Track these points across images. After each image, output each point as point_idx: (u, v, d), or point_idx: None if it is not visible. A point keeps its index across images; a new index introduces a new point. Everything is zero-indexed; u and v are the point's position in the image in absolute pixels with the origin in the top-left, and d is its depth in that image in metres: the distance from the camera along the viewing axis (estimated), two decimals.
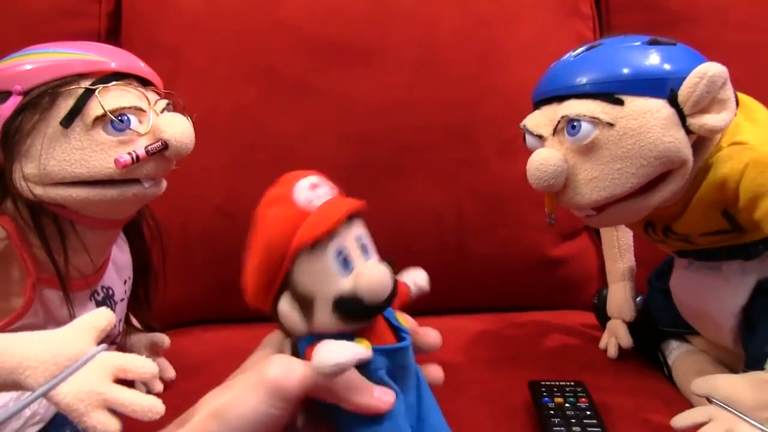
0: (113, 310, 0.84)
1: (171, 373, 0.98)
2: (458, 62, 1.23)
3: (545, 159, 0.75)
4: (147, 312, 0.97)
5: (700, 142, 0.76)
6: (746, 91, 0.83)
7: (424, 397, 0.63)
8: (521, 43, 1.24)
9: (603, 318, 1.08)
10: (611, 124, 0.72)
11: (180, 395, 0.92)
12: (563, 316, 1.21)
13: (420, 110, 1.21)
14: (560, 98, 0.77)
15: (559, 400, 0.83)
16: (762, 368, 0.75)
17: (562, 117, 0.75)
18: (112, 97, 0.72)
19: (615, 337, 1.02)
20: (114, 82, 0.73)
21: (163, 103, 0.78)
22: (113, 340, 0.86)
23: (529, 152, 0.80)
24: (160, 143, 0.73)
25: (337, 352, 0.53)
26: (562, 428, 0.77)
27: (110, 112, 0.71)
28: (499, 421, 0.85)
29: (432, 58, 1.22)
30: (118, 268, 0.89)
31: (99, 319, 0.59)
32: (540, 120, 0.80)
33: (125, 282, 0.90)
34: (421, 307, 1.21)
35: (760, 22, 1.29)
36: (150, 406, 0.54)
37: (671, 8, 1.29)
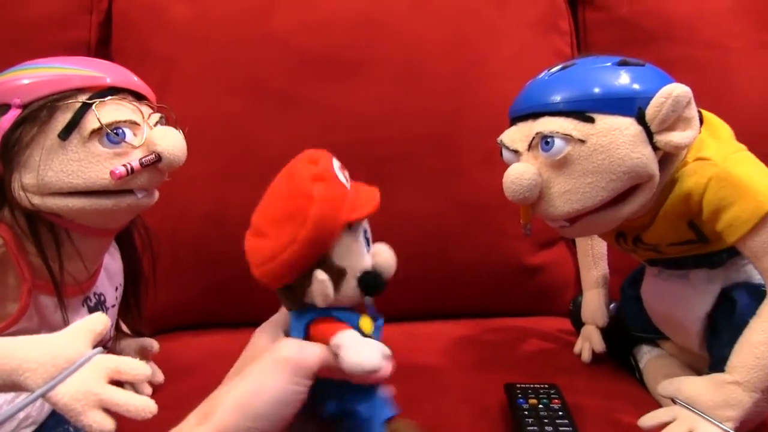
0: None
1: (160, 376, 0.99)
2: (441, 76, 1.24)
3: (520, 173, 0.78)
4: (137, 318, 0.98)
5: (667, 157, 0.79)
6: (716, 106, 0.86)
7: None
8: (502, 58, 1.25)
9: (578, 324, 1.10)
10: (583, 141, 0.75)
11: (168, 398, 0.93)
12: (540, 322, 1.23)
13: (403, 122, 1.22)
14: (535, 115, 0.80)
15: (533, 401, 0.85)
16: (723, 370, 0.77)
17: (537, 133, 0.78)
18: (108, 111, 0.74)
19: (589, 342, 1.04)
20: (110, 97, 0.76)
21: (157, 116, 0.80)
22: (104, 345, 0.88)
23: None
24: (153, 155, 0.76)
25: (370, 354, 0.58)
26: (535, 428, 0.79)
27: (106, 126, 0.73)
28: (476, 421, 0.87)
29: (416, 71, 1.24)
30: (110, 275, 0.90)
31: (95, 323, 0.61)
32: (516, 135, 0.82)
33: (116, 288, 0.92)
34: (403, 312, 1.24)
35: (730, 40, 1.32)
36: (143, 405, 0.57)
37: (645, 27, 1.32)
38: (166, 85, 1.19)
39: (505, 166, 0.82)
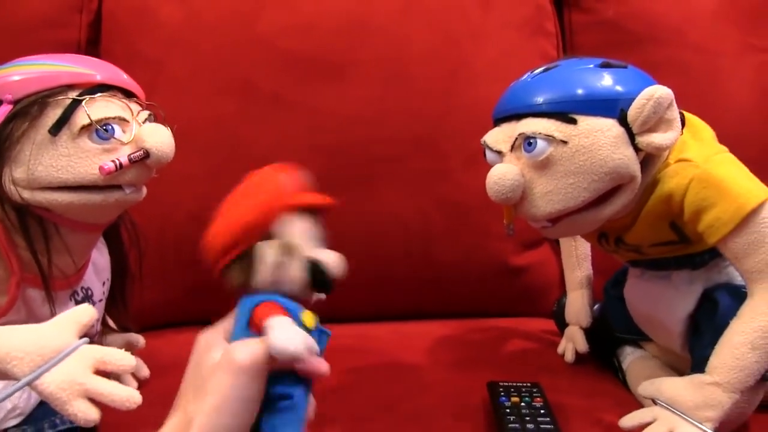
0: None
1: (145, 371, 1.00)
2: (427, 78, 1.25)
3: (503, 174, 0.79)
4: (123, 313, 0.99)
5: (649, 158, 0.80)
6: (702, 109, 0.87)
7: None
8: (488, 59, 1.26)
9: (562, 324, 1.10)
10: (565, 142, 0.76)
11: (153, 393, 0.93)
12: (524, 323, 1.23)
13: (389, 123, 1.23)
14: (518, 116, 0.81)
15: (516, 399, 0.85)
16: (704, 371, 0.78)
17: (520, 134, 0.79)
18: (97, 108, 0.75)
19: (572, 342, 1.05)
20: (100, 94, 0.77)
21: (146, 113, 0.81)
22: (91, 339, 0.88)
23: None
24: (142, 152, 0.76)
25: (294, 341, 0.58)
26: (517, 425, 0.80)
27: (96, 122, 0.74)
28: (458, 419, 0.88)
29: (402, 73, 1.25)
30: (98, 270, 0.91)
31: (82, 314, 0.62)
32: (499, 137, 0.83)
33: (104, 283, 0.93)
34: (388, 312, 1.24)
35: (717, 43, 1.33)
36: (128, 396, 0.58)
37: (632, 29, 1.33)
38: (155, 87, 1.19)
39: (490, 166, 0.83)
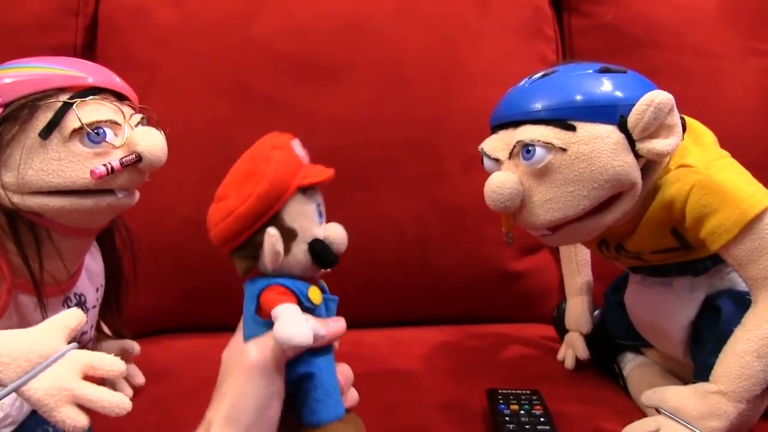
0: (86, 316, 0.86)
1: (140, 378, 0.99)
2: (423, 81, 1.25)
3: (501, 182, 0.78)
4: (118, 319, 0.98)
5: (649, 165, 0.79)
6: (703, 113, 0.86)
7: None
8: (485, 63, 1.26)
9: (562, 330, 1.10)
10: (564, 149, 0.75)
11: (149, 400, 0.94)
12: (523, 329, 1.23)
13: (385, 126, 1.23)
14: (516, 123, 0.80)
15: (515, 407, 0.85)
16: (708, 379, 0.77)
17: (518, 142, 0.78)
18: (89, 111, 0.74)
19: (572, 349, 1.04)
20: (91, 97, 0.76)
21: (138, 117, 0.80)
22: (84, 346, 0.88)
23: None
24: (134, 155, 0.75)
25: (299, 332, 0.60)
26: None
27: (87, 125, 0.73)
28: (457, 426, 0.87)
29: (398, 76, 1.24)
30: (91, 276, 0.90)
31: (70, 318, 0.61)
32: (497, 144, 0.82)
33: (97, 289, 0.92)
34: (384, 318, 1.24)
35: (718, 47, 1.33)
36: (118, 402, 0.57)
37: (631, 32, 1.32)
38: (150, 89, 1.19)
39: (487, 171, 0.82)
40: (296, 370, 0.65)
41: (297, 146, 0.71)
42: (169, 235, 1.20)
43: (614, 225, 0.81)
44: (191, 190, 1.18)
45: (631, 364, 0.99)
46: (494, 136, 0.83)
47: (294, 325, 0.60)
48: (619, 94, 0.77)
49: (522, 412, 0.84)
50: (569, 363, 1.04)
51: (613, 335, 1.01)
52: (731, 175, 0.79)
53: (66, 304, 0.84)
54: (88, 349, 0.88)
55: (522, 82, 0.84)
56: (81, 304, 0.87)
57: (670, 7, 1.35)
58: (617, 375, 1.00)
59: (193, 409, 0.90)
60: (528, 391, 0.89)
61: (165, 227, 1.19)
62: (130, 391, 0.96)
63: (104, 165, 0.73)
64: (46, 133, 0.72)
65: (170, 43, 1.24)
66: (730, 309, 0.80)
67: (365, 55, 1.25)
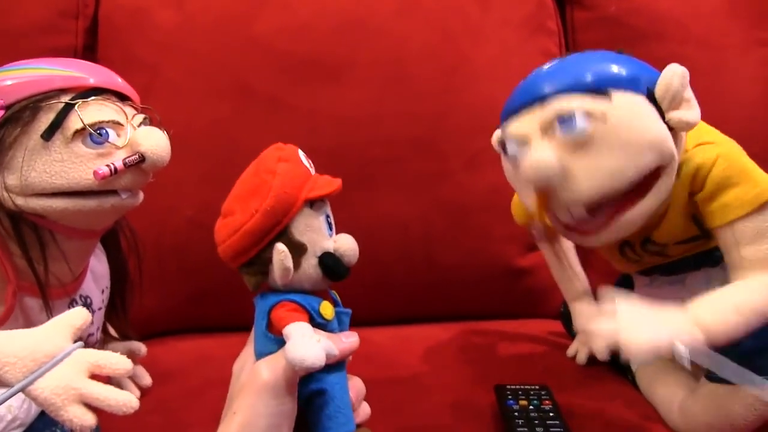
0: (92, 317, 0.86)
1: (147, 380, 0.99)
2: (426, 77, 1.24)
3: (542, 156, 0.74)
4: (124, 321, 0.98)
5: (677, 143, 0.78)
6: (708, 104, 0.85)
7: None
8: (488, 59, 1.26)
9: (569, 326, 1.09)
10: (604, 116, 0.73)
11: (154, 401, 0.95)
12: (529, 325, 1.22)
13: (388, 124, 1.22)
14: (542, 99, 0.76)
15: (524, 402, 0.85)
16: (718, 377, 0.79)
17: (554, 112, 0.75)
18: (91, 112, 0.74)
19: (587, 347, 1.03)
20: (93, 97, 0.75)
21: (140, 117, 0.80)
22: (87, 343, 0.88)
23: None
24: (137, 156, 0.75)
25: (311, 353, 0.59)
26: (525, 429, 0.79)
27: (89, 126, 0.73)
28: (465, 423, 0.87)
29: (400, 73, 1.24)
30: (96, 278, 0.90)
31: (75, 317, 0.61)
32: (524, 123, 0.78)
33: (103, 291, 0.92)
34: (389, 316, 1.24)
35: (722, 37, 1.33)
36: (125, 400, 0.57)
37: (635, 25, 1.32)
38: (151, 90, 1.19)
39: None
40: (309, 387, 0.65)
41: (303, 156, 0.70)
42: (173, 236, 1.19)
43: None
44: (194, 190, 1.19)
45: None
46: (516, 120, 0.79)
47: (306, 345, 0.60)
48: (640, 69, 0.77)
49: (531, 407, 0.84)
50: (582, 358, 1.03)
51: None
52: (748, 159, 0.78)
53: (71, 306, 0.84)
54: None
55: (536, 70, 0.81)
56: (87, 306, 0.87)
57: None
58: (626, 370, 1.00)
59: (199, 410, 0.91)
60: (537, 387, 0.89)
61: (169, 229, 1.19)
62: (137, 392, 0.96)
63: (107, 165, 0.73)
64: (49, 134, 0.72)
65: (171, 43, 1.24)
66: None
67: (367, 53, 1.24)
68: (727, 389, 0.79)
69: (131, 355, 0.99)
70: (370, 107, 1.23)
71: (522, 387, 0.89)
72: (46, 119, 0.72)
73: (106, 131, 0.75)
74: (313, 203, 0.67)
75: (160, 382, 1.00)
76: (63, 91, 0.74)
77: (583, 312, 1.05)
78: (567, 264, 1.06)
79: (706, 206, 0.77)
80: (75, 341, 0.59)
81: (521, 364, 1.06)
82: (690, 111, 0.75)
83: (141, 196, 0.81)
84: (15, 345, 0.56)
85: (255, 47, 1.23)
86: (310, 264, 0.66)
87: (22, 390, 0.54)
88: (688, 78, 0.75)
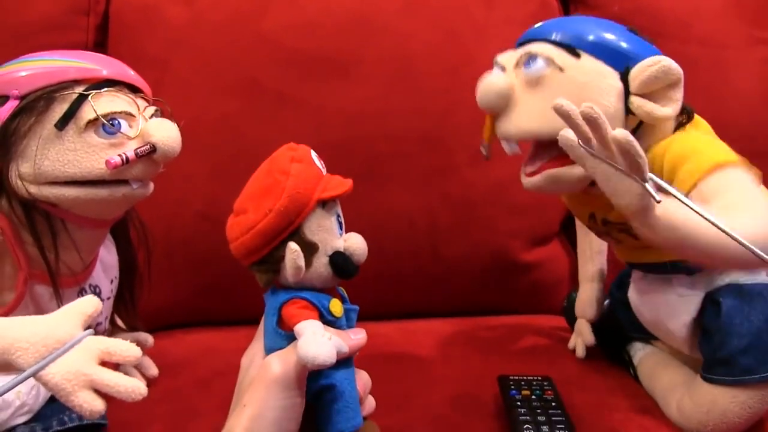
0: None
1: (154, 370, 1.00)
2: (431, 74, 1.25)
3: (494, 79, 0.82)
4: (132, 312, 0.99)
5: (642, 133, 0.80)
6: (710, 103, 0.87)
7: None
8: (492, 57, 1.23)
9: (572, 320, 1.10)
10: (561, 69, 0.79)
11: (162, 391, 0.95)
12: (533, 320, 1.23)
13: (394, 120, 1.23)
14: (528, 42, 0.85)
15: (526, 392, 0.86)
16: (715, 375, 0.80)
17: (525, 52, 0.82)
18: (104, 103, 0.75)
19: (581, 336, 1.04)
20: (106, 89, 0.77)
21: (152, 109, 0.82)
22: (96, 330, 0.89)
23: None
24: (148, 146, 0.76)
25: (322, 350, 0.60)
26: (527, 418, 0.80)
27: (102, 116, 0.74)
28: (469, 412, 0.88)
29: (406, 70, 1.24)
30: (106, 268, 0.91)
31: (86, 305, 0.62)
32: (509, 55, 0.86)
33: (111, 281, 0.93)
34: (395, 310, 1.25)
35: (723, 36, 1.34)
36: (133, 387, 0.57)
37: (637, 23, 1.27)
38: (161, 86, 1.16)
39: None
40: (318, 382, 0.66)
41: (315, 157, 0.70)
42: (182, 231, 1.20)
43: (599, 192, 0.80)
44: (203, 185, 1.19)
45: (640, 353, 0.99)
46: (508, 52, 0.87)
47: (318, 343, 0.60)
48: (633, 47, 0.80)
49: (533, 397, 0.85)
50: (580, 351, 1.04)
51: (624, 328, 1.01)
52: (704, 137, 0.81)
53: (81, 295, 0.85)
54: None
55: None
56: (96, 295, 0.86)
57: None
58: (627, 364, 1.01)
59: (207, 400, 0.92)
60: (539, 378, 0.90)
61: (177, 223, 1.20)
62: (144, 382, 0.97)
63: (119, 155, 0.74)
64: (62, 124, 0.73)
65: (180, 40, 1.25)
66: (731, 302, 0.80)
67: (374, 50, 1.25)
68: (722, 389, 0.80)
69: (138, 345, 0.99)
70: (377, 103, 1.23)
71: (525, 378, 0.90)
72: (59, 109, 0.74)
73: (119, 122, 0.76)
74: (325, 203, 0.68)
75: (167, 373, 1.01)
76: (77, 82, 0.76)
77: (583, 296, 1.07)
78: (588, 244, 1.09)
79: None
80: (85, 329, 0.60)
81: (525, 357, 1.07)
82: (662, 108, 0.77)
83: (151, 186, 0.83)
84: (27, 331, 0.57)
85: (263, 44, 1.24)
86: (321, 263, 0.67)
87: (34, 375, 0.55)
88: (676, 76, 0.77)
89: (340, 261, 0.67)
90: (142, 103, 0.80)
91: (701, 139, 0.80)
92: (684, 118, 0.83)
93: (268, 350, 0.68)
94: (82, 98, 0.74)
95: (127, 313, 0.99)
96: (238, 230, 0.67)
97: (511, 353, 1.09)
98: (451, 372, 1.00)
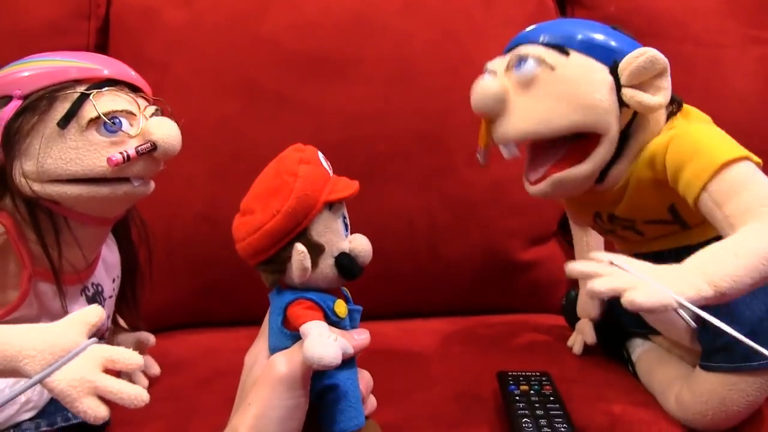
0: (102, 306, 0.88)
1: (156, 369, 1.01)
2: (430, 74, 1.26)
3: (488, 83, 0.82)
4: (134, 310, 0.99)
5: (638, 126, 0.82)
6: (706, 102, 0.88)
7: None
8: (490, 57, 1.21)
9: (571, 319, 1.11)
10: (552, 68, 0.80)
11: (164, 390, 0.96)
12: (532, 319, 1.23)
13: (393, 120, 1.23)
14: (517, 46, 0.85)
15: (525, 388, 0.86)
16: (714, 362, 0.80)
17: (515, 54, 0.83)
18: (105, 102, 0.76)
19: (581, 334, 1.05)
20: (107, 88, 0.78)
21: (152, 108, 0.83)
22: (101, 336, 0.89)
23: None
24: (149, 144, 0.77)
25: (327, 351, 0.61)
26: (526, 412, 0.81)
27: (104, 115, 0.75)
28: (468, 408, 0.89)
29: (405, 70, 1.25)
30: (108, 267, 0.92)
31: (91, 314, 0.63)
32: (499, 61, 0.87)
33: (114, 280, 0.94)
34: (394, 309, 1.25)
35: (719, 36, 1.35)
36: (136, 394, 0.59)
37: (635, 24, 1.30)
38: (161, 88, 1.15)
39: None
40: (321, 382, 0.66)
41: (322, 158, 0.71)
42: (182, 232, 1.20)
43: (603, 188, 0.84)
44: (203, 186, 1.20)
45: (639, 349, 0.99)
46: (498, 58, 0.88)
47: (324, 344, 0.61)
48: (618, 42, 0.82)
49: (532, 392, 0.86)
50: (577, 348, 1.05)
51: (623, 324, 1.02)
52: (707, 131, 0.81)
53: (84, 293, 0.86)
54: (105, 339, 0.91)
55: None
56: (98, 294, 0.89)
57: None
58: (626, 360, 1.01)
59: (208, 398, 0.93)
60: (538, 373, 0.91)
61: (178, 224, 1.20)
62: (145, 382, 0.98)
63: (120, 153, 0.75)
64: (64, 122, 0.74)
65: (180, 42, 1.25)
66: None
67: (373, 51, 1.26)
68: (721, 377, 0.80)
69: (140, 345, 1.01)
70: (376, 104, 1.24)
71: (523, 373, 0.90)
72: (62, 108, 0.75)
73: (120, 120, 0.77)
74: (332, 205, 0.68)
75: (169, 372, 1.02)
76: (78, 81, 0.77)
77: (583, 296, 1.07)
78: (585, 245, 1.09)
79: (678, 189, 0.78)
80: (89, 337, 0.62)
81: (524, 355, 1.07)
82: (653, 97, 0.78)
83: (152, 185, 0.83)
84: (34, 339, 0.59)
85: (262, 45, 1.25)
86: (327, 264, 0.68)
87: (40, 381, 0.57)
88: (661, 65, 0.78)
89: (345, 262, 0.68)
90: (142, 102, 0.81)
91: (702, 133, 0.79)
92: (674, 107, 0.84)
93: (273, 349, 0.68)
94: (83, 97, 0.75)
95: (129, 312, 0.99)
96: (245, 230, 0.67)
97: (510, 351, 1.09)
98: (451, 370, 1.01)
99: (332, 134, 1.21)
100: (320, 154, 0.71)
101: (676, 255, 0.84)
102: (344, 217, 0.71)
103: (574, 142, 0.82)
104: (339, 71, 1.24)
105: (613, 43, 0.81)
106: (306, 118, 1.22)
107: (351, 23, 1.27)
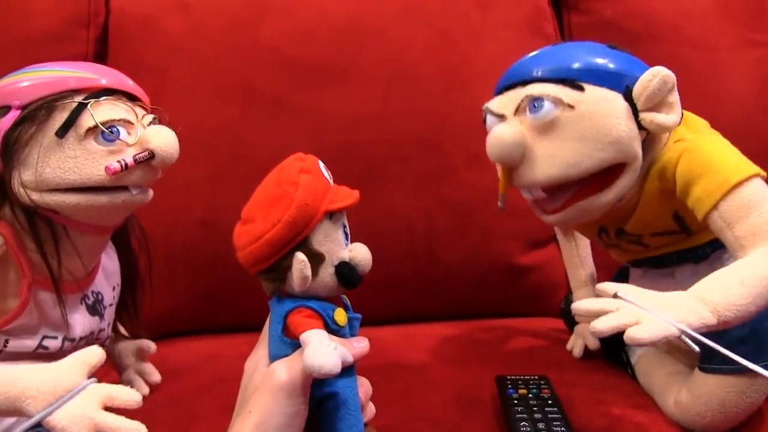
0: (103, 314, 0.89)
1: (156, 376, 1.01)
2: (428, 79, 1.26)
3: (505, 131, 0.79)
4: (134, 318, 0.99)
5: (649, 143, 0.81)
6: (703, 105, 0.88)
7: None
8: (487, 60, 1.27)
9: (570, 322, 1.11)
10: (572, 106, 0.77)
11: (165, 397, 0.96)
12: (531, 322, 1.23)
13: (392, 124, 1.24)
14: (524, 83, 0.82)
15: (523, 391, 0.86)
16: (712, 364, 0.80)
17: (526, 96, 0.79)
18: (103, 111, 0.77)
19: (582, 339, 1.05)
20: (105, 97, 0.78)
21: (150, 117, 0.83)
22: (102, 343, 0.89)
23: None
24: (147, 152, 0.78)
25: (329, 359, 0.61)
26: (524, 415, 0.81)
27: (101, 124, 0.75)
28: (466, 411, 0.89)
29: (403, 74, 1.26)
30: (108, 275, 0.92)
31: (91, 356, 0.66)
32: (503, 101, 0.83)
33: (114, 288, 0.94)
34: (392, 314, 1.25)
35: (716, 38, 1.35)
36: (134, 429, 0.62)
37: (631, 27, 1.34)
38: (160, 95, 1.19)
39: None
40: (321, 390, 0.66)
41: (323, 168, 0.71)
42: (182, 237, 1.21)
43: (616, 206, 0.82)
44: (202, 192, 1.20)
45: (639, 351, 0.99)
46: (500, 96, 0.85)
47: (324, 353, 0.61)
48: (625, 66, 0.80)
49: (530, 395, 0.85)
50: (577, 352, 1.05)
51: None
52: (717, 146, 0.80)
53: (83, 301, 0.86)
54: (106, 346, 0.91)
55: (526, 55, 0.86)
56: (98, 302, 0.89)
57: (666, 0, 1.37)
58: (625, 364, 1.01)
59: (209, 404, 0.93)
60: (536, 377, 0.91)
61: (177, 229, 1.21)
62: (146, 389, 0.99)
63: (118, 162, 0.75)
64: (63, 132, 0.74)
65: (179, 49, 1.26)
66: None
67: (370, 55, 1.26)
68: (719, 379, 0.80)
69: (141, 352, 1.02)
70: (374, 108, 1.24)
71: (522, 377, 0.90)
72: (60, 118, 0.75)
73: (117, 129, 0.77)
74: (332, 214, 0.68)
75: (170, 379, 1.02)
76: (76, 91, 0.77)
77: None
78: (575, 250, 1.08)
79: (686, 202, 0.79)
80: (89, 377, 0.65)
81: (523, 359, 1.07)
82: (668, 115, 0.78)
83: (150, 193, 0.84)
84: (37, 380, 0.62)
85: (261, 51, 1.25)
86: (327, 273, 0.68)
87: (41, 421, 0.60)
88: (671, 82, 0.77)
89: (345, 271, 0.68)
90: (140, 111, 0.82)
91: (713, 148, 0.79)
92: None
93: (273, 357, 0.68)
94: (81, 107, 0.76)
95: (129, 320, 0.99)
96: (246, 239, 0.68)
97: (509, 355, 1.09)
98: (450, 373, 1.01)
99: (331, 139, 1.22)
100: (321, 164, 0.71)
101: (677, 257, 0.86)
102: (344, 226, 0.71)
103: (599, 171, 0.80)
104: (337, 76, 1.25)
105: (622, 68, 0.79)
106: (305, 122, 1.23)
107: (348, 28, 1.28)
